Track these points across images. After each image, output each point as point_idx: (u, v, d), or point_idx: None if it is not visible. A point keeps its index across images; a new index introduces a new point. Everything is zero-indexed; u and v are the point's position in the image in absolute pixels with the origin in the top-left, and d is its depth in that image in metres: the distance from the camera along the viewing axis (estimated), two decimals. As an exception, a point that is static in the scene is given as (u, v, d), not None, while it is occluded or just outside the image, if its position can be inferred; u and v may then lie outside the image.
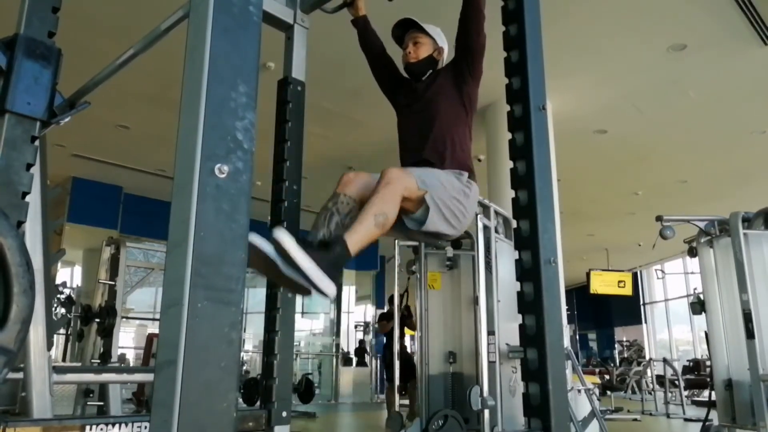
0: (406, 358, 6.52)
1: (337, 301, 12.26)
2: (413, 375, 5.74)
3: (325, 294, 1.48)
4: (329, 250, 1.54)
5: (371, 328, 12.81)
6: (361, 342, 12.54)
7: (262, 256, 1.44)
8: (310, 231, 1.75)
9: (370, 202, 1.67)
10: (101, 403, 4.38)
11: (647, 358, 12.99)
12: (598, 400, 5.71)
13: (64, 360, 6.05)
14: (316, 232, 1.72)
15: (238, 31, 0.93)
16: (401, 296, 5.78)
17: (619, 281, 12.21)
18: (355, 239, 1.60)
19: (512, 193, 1.45)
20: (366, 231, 1.63)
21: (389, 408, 6.63)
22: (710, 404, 4.32)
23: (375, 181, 1.78)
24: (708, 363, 8.25)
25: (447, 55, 2.24)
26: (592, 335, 18.91)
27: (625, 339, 16.46)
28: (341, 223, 1.75)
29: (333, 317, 12.33)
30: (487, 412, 3.36)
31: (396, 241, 5.10)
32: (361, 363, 11.79)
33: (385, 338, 7.20)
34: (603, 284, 12.08)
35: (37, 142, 1.53)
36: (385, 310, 7.98)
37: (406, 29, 2.21)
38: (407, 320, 6.23)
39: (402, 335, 6.60)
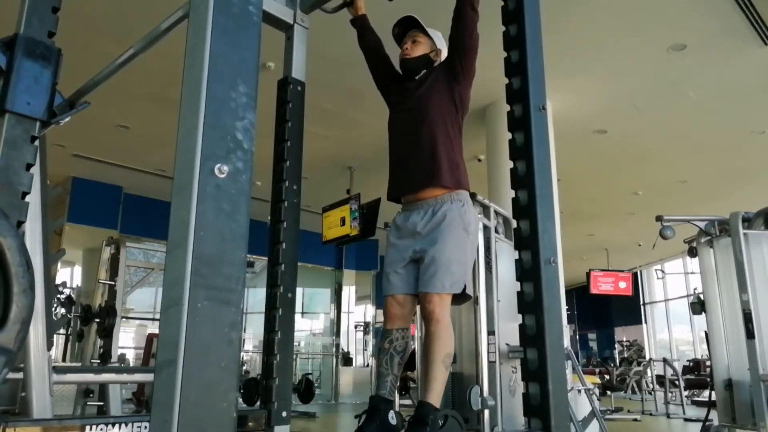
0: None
1: (337, 301, 12.26)
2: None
3: None
4: (425, 425, 1.76)
5: (371, 328, 12.81)
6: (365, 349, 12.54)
7: None
8: (377, 377, 1.98)
9: (433, 350, 1.85)
10: (101, 403, 4.38)
11: (647, 358, 12.98)
12: (598, 400, 5.71)
13: (64, 360, 6.05)
14: (383, 380, 1.94)
15: (238, 31, 0.93)
16: None
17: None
18: (436, 396, 1.83)
19: (512, 193, 1.45)
20: (441, 381, 1.85)
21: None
22: (710, 404, 4.32)
23: (414, 300, 1.98)
24: (708, 363, 8.25)
25: (443, 57, 2.25)
26: (592, 335, 18.90)
27: (625, 339, 16.46)
28: (402, 361, 1.97)
29: (333, 317, 12.33)
30: (487, 412, 3.36)
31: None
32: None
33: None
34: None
35: (37, 142, 1.53)
36: None
37: (408, 28, 2.23)
38: None
39: None
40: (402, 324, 2.00)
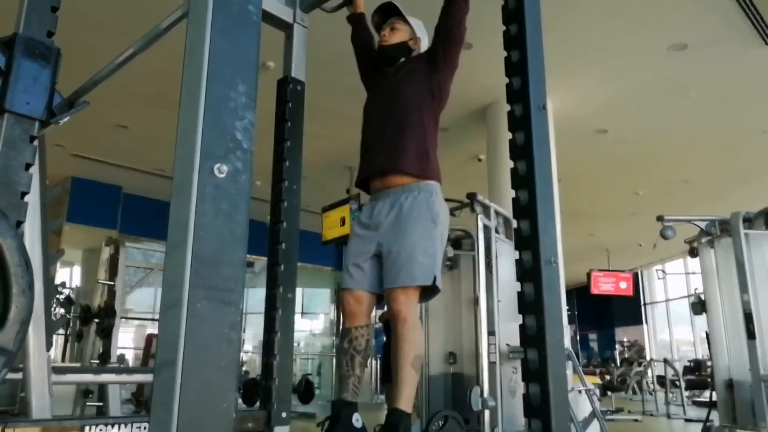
0: None
1: (337, 301, 12.26)
2: None
3: None
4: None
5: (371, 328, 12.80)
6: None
7: None
8: (339, 380, 1.89)
9: (401, 353, 1.76)
10: (100, 404, 4.38)
11: (648, 358, 12.98)
12: (599, 400, 5.70)
13: (63, 360, 6.05)
14: (345, 383, 1.88)
15: (237, 31, 0.93)
16: None
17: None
18: (407, 401, 1.74)
19: (512, 193, 1.44)
20: (412, 385, 1.76)
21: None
22: (711, 405, 4.31)
23: (374, 298, 1.91)
24: (709, 363, 8.24)
25: (424, 47, 2.23)
26: (592, 336, 18.90)
27: (625, 339, 16.45)
28: (363, 360, 1.89)
29: (333, 317, 12.33)
30: (487, 412, 3.35)
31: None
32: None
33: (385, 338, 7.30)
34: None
35: (36, 142, 1.53)
36: None
37: (388, 16, 2.21)
38: None
39: None
40: (361, 321, 1.92)
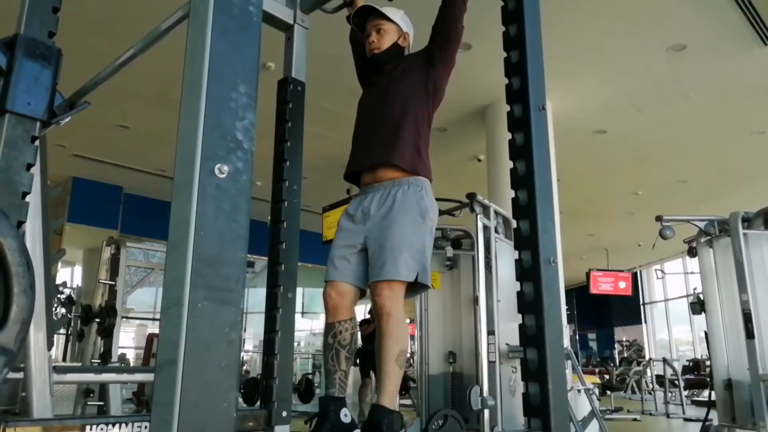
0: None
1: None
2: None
3: None
4: (378, 431, 1.63)
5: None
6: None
7: None
8: (325, 376, 1.82)
9: (384, 348, 1.71)
10: (101, 403, 4.38)
11: (647, 358, 12.99)
12: (598, 400, 5.71)
13: (64, 360, 6.05)
14: (331, 379, 1.79)
15: (238, 32, 0.93)
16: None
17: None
18: (390, 397, 1.70)
19: (512, 193, 1.45)
20: (395, 381, 1.71)
21: (361, 403, 6.89)
22: (710, 404, 4.32)
23: (357, 293, 1.86)
24: (708, 363, 8.25)
25: (413, 39, 2.18)
26: (591, 335, 18.90)
27: (624, 339, 16.46)
28: (349, 355, 1.83)
29: (333, 317, 12.32)
30: (487, 412, 3.36)
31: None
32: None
33: (362, 341, 7.64)
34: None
35: (37, 142, 1.53)
36: (368, 317, 8.16)
37: (367, 16, 2.13)
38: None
39: None
40: (344, 315, 1.85)
